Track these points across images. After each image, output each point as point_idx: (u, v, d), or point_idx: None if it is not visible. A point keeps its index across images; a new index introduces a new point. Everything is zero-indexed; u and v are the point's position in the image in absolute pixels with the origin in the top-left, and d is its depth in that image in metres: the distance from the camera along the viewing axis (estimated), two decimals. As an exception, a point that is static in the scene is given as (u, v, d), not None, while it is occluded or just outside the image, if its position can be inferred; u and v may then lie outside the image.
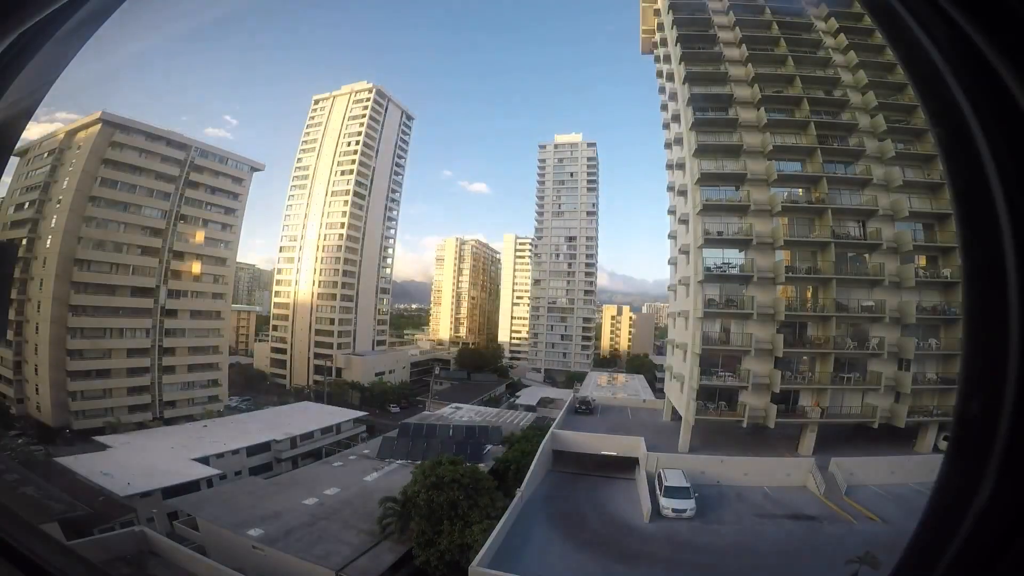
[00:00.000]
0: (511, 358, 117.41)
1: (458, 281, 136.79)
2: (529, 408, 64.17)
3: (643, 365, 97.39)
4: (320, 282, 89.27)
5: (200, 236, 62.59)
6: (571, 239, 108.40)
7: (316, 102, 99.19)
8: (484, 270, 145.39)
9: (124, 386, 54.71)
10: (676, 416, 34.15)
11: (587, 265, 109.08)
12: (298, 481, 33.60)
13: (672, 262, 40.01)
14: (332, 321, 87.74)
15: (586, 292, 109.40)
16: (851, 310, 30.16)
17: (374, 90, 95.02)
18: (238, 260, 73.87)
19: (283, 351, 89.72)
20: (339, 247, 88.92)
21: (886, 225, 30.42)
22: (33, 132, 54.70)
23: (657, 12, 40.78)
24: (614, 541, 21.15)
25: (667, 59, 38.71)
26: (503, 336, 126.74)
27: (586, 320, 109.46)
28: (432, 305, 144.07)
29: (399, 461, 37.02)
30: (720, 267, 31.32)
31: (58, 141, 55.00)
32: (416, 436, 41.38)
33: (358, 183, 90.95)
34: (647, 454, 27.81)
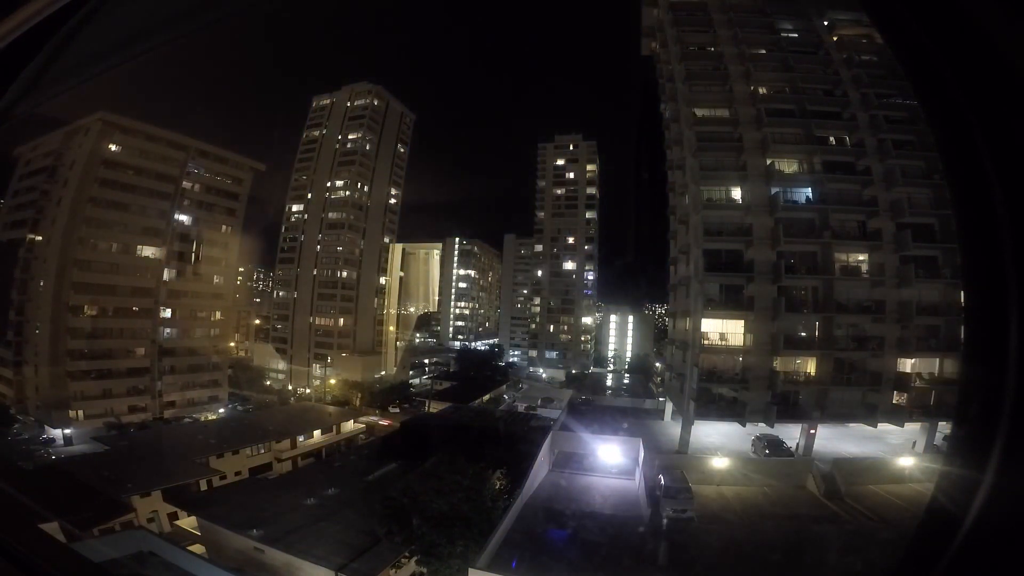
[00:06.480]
0: (511, 358, 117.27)
1: (458, 281, 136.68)
2: (529, 408, 64.05)
3: (643, 365, 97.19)
4: (320, 282, 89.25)
5: (200, 236, 62.56)
6: (571, 239, 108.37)
7: (317, 102, 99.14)
8: (484, 270, 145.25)
9: (124, 386, 54.74)
10: (676, 416, 34.14)
11: (587, 265, 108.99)
12: (298, 481, 33.58)
13: (672, 262, 39.99)
14: (332, 321, 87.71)
15: (586, 292, 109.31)
16: (851, 310, 30.15)
17: (374, 90, 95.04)
18: (238, 260, 73.80)
19: (283, 351, 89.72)
20: (339, 247, 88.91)
21: (886, 224, 30.42)
22: (33, 132, 54.62)
23: (657, 12, 40.78)
24: (614, 542, 21.12)
25: (667, 59, 38.72)
26: (503, 336, 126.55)
27: (586, 320, 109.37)
28: (432, 305, 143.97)
29: (399, 461, 36.99)
30: (720, 266, 31.31)
31: (58, 141, 54.96)
32: (416, 436, 41.35)
33: (358, 183, 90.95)
34: (647, 454, 27.81)
